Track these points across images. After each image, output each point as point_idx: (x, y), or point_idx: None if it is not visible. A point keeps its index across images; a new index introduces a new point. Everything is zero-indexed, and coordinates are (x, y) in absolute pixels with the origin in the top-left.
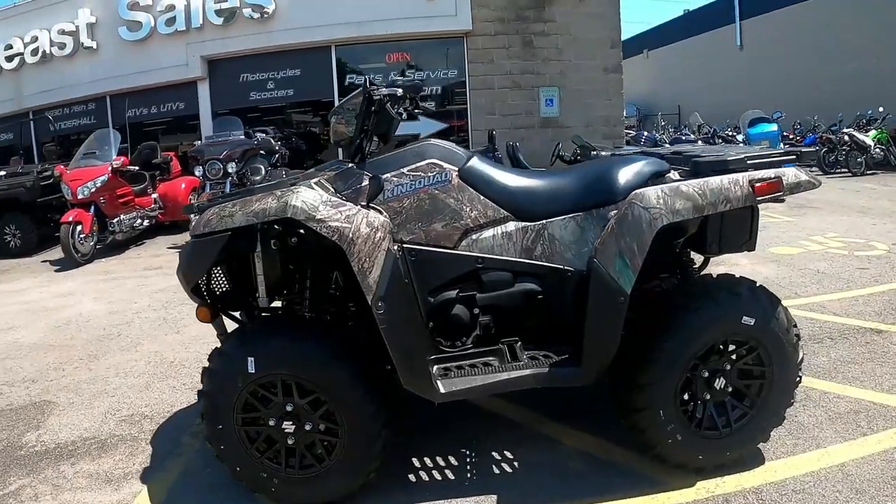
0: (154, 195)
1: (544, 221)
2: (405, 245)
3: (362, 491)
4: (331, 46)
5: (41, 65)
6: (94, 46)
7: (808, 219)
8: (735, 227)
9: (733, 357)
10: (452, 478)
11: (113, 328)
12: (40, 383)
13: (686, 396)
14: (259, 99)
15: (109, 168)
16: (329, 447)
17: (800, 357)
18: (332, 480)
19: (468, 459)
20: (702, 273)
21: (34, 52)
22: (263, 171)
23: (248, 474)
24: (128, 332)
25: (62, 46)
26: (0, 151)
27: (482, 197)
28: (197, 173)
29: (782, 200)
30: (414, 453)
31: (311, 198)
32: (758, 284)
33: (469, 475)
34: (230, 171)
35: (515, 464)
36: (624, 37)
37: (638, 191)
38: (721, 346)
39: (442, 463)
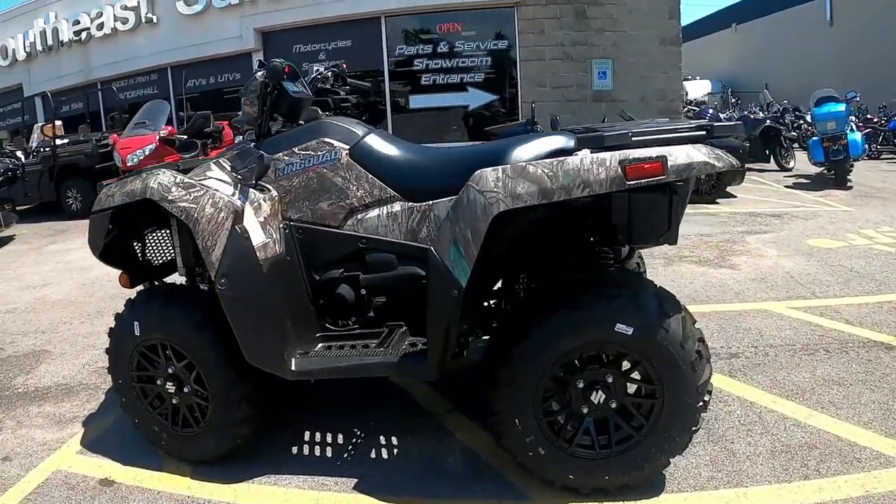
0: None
1: (431, 202)
2: (292, 223)
3: (235, 456)
4: (381, 17)
5: (107, 39)
6: (155, 20)
7: (868, 210)
8: (646, 215)
9: (616, 370)
10: (329, 455)
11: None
12: (48, 335)
13: (553, 407)
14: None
15: (157, 137)
16: (203, 410)
17: (702, 378)
18: (205, 441)
19: (354, 440)
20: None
21: (100, 27)
22: (386, 131)
23: (144, 427)
24: None
25: (125, 21)
26: (70, 120)
27: (370, 176)
28: (237, 142)
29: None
30: (309, 427)
31: (165, 180)
32: (655, 288)
33: (346, 455)
34: None
35: (395, 450)
36: (713, 9)
37: (477, 171)
38: (595, 356)
39: (329, 440)
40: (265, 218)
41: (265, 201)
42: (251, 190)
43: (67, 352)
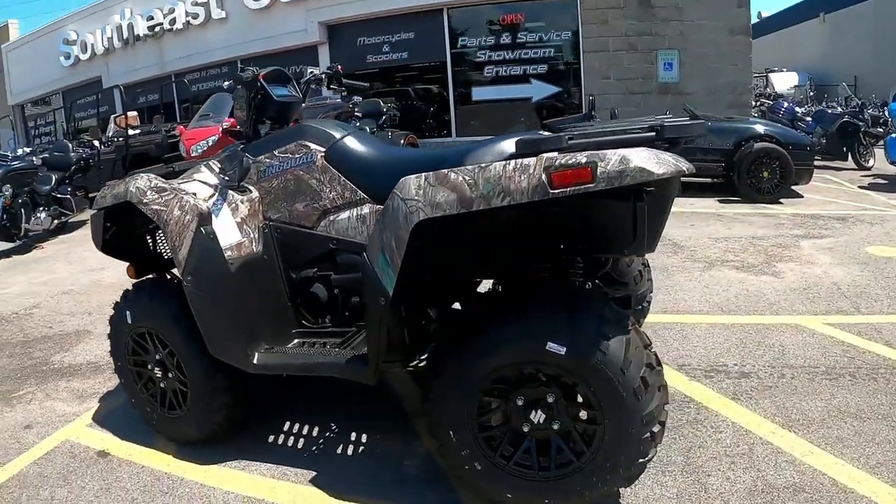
0: None
1: None
2: (272, 223)
3: (217, 439)
4: (443, 9)
5: (179, 33)
6: (224, 16)
7: None
8: (604, 223)
9: (559, 389)
10: (300, 447)
11: None
12: (93, 315)
13: (491, 423)
14: (375, 62)
15: (220, 129)
16: (185, 395)
17: (648, 408)
18: (187, 425)
19: (328, 434)
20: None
21: (172, 22)
22: (367, 132)
23: (139, 406)
24: None
25: (196, 16)
26: (146, 111)
27: (342, 178)
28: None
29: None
30: (292, 418)
31: (142, 184)
32: (601, 306)
33: (314, 449)
34: None
35: (360, 449)
36: None
37: (402, 178)
38: (534, 374)
39: (305, 432)
40: (242, 218)
41: (243, 202)
42: (230, 191)
43: (105, 332)
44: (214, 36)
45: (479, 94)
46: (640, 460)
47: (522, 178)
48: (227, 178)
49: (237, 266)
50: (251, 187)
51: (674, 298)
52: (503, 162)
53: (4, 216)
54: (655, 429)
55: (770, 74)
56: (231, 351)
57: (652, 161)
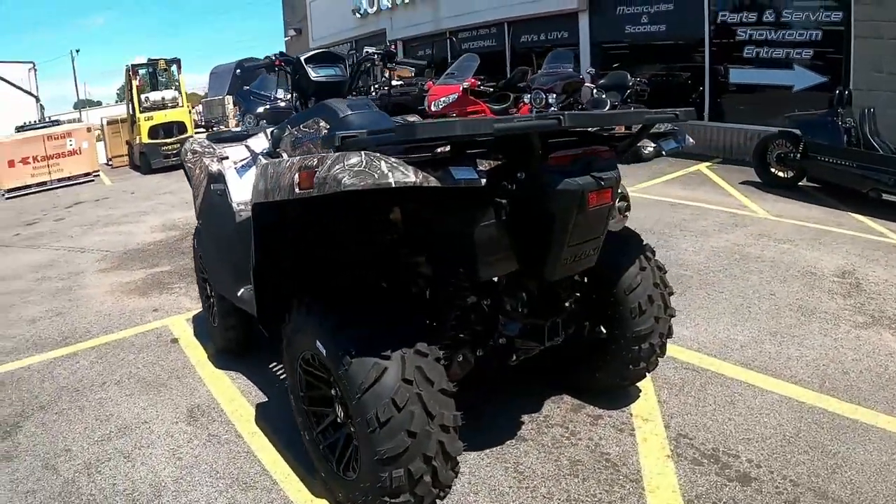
0: (516, 114)
1: None
2: None
3: (231, 351)
4: None
5: None
6: None
7: None
8: (439, 234)
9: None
10: (281, 377)
11: None
12: None
13: (313, 399)
14: (633, 33)
15: (461, 88)
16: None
17: (383, 446)
18: (217, 335)
19: None
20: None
21: None
22: (608, 106)
23: (205, 312)
24: None
25: None
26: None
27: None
28: (526, 100)
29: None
30: None
31: (189, 146)
32: (387, 321)
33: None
34: (550, 101)
35: None
36: None
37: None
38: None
39: None
40: None
41: None
42: (262, 157)
43: None
44: None
45: (736, 75)
46: (384, 498)
47: (286, 175)
48: (273, 143)
49: (246, 218)
50: (284, 154)
51: (778, 351)
52: (289, 159)
53: None
54: (396, 474)
55: None
56: (224, 283)
57: (349, 171)
